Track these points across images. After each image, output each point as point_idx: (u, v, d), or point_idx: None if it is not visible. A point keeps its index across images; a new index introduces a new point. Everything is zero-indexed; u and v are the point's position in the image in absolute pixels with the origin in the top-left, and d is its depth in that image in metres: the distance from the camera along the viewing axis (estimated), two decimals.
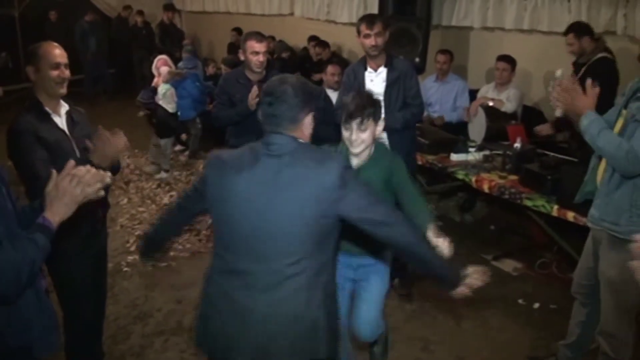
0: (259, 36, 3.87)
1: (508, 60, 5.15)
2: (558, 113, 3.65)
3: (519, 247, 4.74)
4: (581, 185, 2.86)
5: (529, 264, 4.46)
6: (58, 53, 2.66)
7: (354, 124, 2.48)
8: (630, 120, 2.50)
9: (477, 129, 4.89)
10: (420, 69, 5.94)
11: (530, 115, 5.31)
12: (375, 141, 2.66)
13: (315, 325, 1.98)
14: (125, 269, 4.37)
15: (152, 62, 7.25)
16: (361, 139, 2.51)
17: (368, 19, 3.77)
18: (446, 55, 5.63)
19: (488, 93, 5.25)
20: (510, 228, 5.03)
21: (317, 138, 4.72)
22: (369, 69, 3.88)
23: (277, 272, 1.96)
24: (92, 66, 10.27)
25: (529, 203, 3.68)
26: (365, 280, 2.82)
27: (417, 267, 2.11)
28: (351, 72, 3.98)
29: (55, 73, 2.62)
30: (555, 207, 3.51)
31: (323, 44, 7.34)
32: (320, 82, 5.66)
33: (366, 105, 2.51)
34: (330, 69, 5.44)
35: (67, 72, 2.67)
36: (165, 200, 5.64)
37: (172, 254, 4.55)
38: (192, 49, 7.45)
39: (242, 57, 3.92)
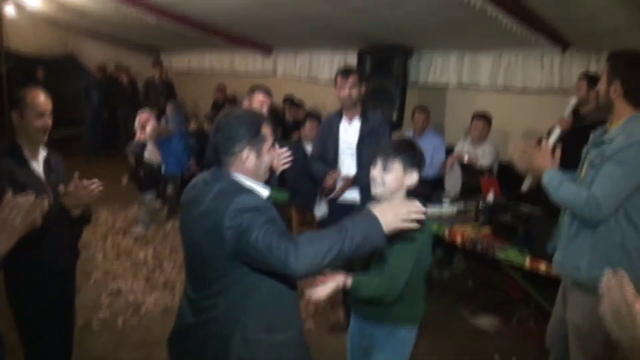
0: (266, 91, 4.00)
1: (484, 117, 5.24)
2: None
3: (497, 302, 4.69)
4: (553, 235, 2.87)
5: (507, 319, 4.41)
6: (43, 102, 2.72)
7: (380, 160, 2.34)
8: (590, 166, 2.54)
9: (453, 184, 4.92)
10: (396, 125, 6.06)
11: (506, 171, 5.33)
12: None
13: None
14: (96, 325, 4.25)
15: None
16: (382, 180, 2.34)
17: (343, 71, 3.92)
18: (424, 113, 5.72)
19: (464, 148, 5.31)
20: (488, 283, 4.99)
21: (295, 191, 4.72)
22: (344, 120, 3.98)
23: (195, 303, 2.04)
24: (93, 121, 10.45)
25: (501, 255, 3.66)
26: (376, 352, 2.55)
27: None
28: (327, 122, 4.11)
29: (39, 122, 2.69)
30: (528, 259, 3.49)
31: (297, 105, 7.45)
32: (298, 140, 5.73)
33: (399, 147, 2.38)
34: (308, 123, 5.52)
35: (49, 121, 2.73)
36: (141, 255, 5.57)
37: (143, 310, 4.47)
38: (179, 104, 7.52)
39: (246, 105, 4.00)
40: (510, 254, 3.61)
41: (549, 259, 3.24)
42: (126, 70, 10.45)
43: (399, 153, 2.33)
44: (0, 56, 9.96)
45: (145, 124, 7.03)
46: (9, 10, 9.37)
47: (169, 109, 7.28)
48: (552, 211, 3.05)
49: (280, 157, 2.65)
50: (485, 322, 4.41)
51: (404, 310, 2.46)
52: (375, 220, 1.80)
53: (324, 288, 2.16)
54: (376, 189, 2.39)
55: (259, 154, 2.03)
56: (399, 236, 2.20)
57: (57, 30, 10.52)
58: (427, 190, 4.82)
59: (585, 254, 2.52)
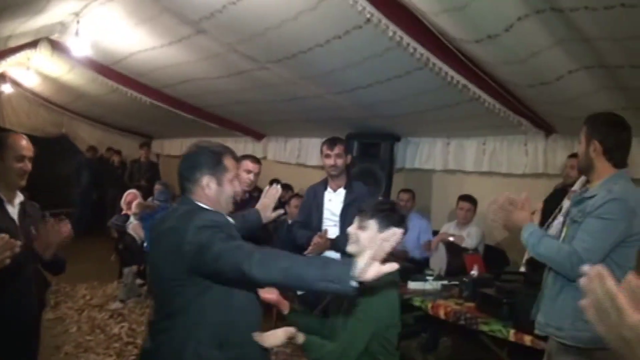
0: (255, 158, 4.07)
1: (470, 200, 5.28)
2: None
3: None
4: (537, 302, 2.80)
5: None
6: (25, 145, 2.70)
7: (357, 218, 2.35)
8: (570, 223, 2.53)
9: (439, 264, 4.87)
10: None
11: (493, 254, 5.31)
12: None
13: None
14: None
15: None
16: (357, 237, 2.31)
17: (329, 141, 3.95)
18: (408, 193, 5.77)
19: (449, 230, 5.30)
20: None
21: None
22: (328, 189, 3.98)
23: (154, 325, 2.10)
24: (82, 201, 10.50)
25: (485, 328, 3.55)
26: None
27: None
28: (311, 190, 4.09)
29: (19, 165, 2.65)
30: (512, 331, 3.39)
31: (286, 187, 7.48)
32: (284, 219, 5.71)
33: (377, 206, 2.37)
34: (294, 201, 5.54)
35: (29, 166, 2.70)
36: (116, 330, 5.37)
37: None
38: (165, 182, 7.54)
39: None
40: (494, 327, 3.50)
41: (534, 332, 3.17)
42: (117, 152, 10.56)
43: (376, 212, 2.32)
44: None
45: (131, 201, 7.07)
46: (6, 88, 9.56)
47: (157, 187, 7.30)
48: (537, 285, 2.98)
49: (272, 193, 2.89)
50: None
51: None
52: (349, 262, 1.67)
53: (275, 337, 2.14)
54: (351, 247, 2.36)
55: (219, 183, 2.12)
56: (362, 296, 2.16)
57: (52, 112, 10.71)
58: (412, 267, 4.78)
59: (568, 313, 2.46)
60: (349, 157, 4.00)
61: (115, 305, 6.16)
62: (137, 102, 7.35)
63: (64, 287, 6.81)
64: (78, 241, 9.61)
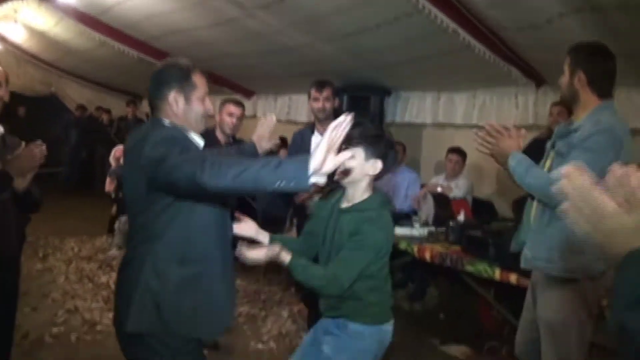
0: (237, 101, 4.03)
1: (459, 152, 5.26)
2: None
3: (468, 333, 4.54)
4: (515, 234, 2.79)
5: (478, 349, 4.26)
6: None
7: (343, 146, 1.99)
8: (556, 156, 2.50)
9: (426, 214, 4.87)
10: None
11: (481, 207, 5.33)
12: (375, 195, 2.30)
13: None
14: (48, 339, 4.04)
15: None
16: (347, 171, 2.22)
17: (318, 83, 3.83)
18: (398, 145, 5.74)
19: (438, 182, 5.30)
20: (460, 316, 4.86)
21: (265, 218, 4.59)
22: (316, 133, 3.91)
23: (128, 241, 2.16)
24: (70, 158, 10.49)
25: (470, 268, 3.58)
26: (325, 343, 2.32)
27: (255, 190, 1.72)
28: (298, 135, 4.02)
29: None
30: (497, 270, 3.41)
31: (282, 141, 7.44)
32: None
33: (363, 133, 2.20)
34: (282, 152, 5.51)
35: (5, 94, 2.61)
36: (104, 279, 5.38)
37: (98, 328, 4.28)
38: None
39: (217, 119, 3.95)
40: (479, 267, 3.53)
41: (520, 271, 3.19)
42: (107, 111, 10.47)
43: (363, 140, 2.22)
44: None
45: (120, 157, 7.01)
46: None
47: None
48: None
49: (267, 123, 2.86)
50: (456, 350, 4.25)
51: (357, 306, 2.29)
52: (304, 159, 1.60)
53: (258, 252, 2.13)
54: (338, 176, 2.29)
55: (187, 100, 2.07)
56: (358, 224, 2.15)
57: (41, 70, 10.56)
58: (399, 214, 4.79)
59: (557, 244, 2.43)
60: (337, 101, 3.94)
61: (112, 252, 6.23)
62: (125, 56, 7.23)
63: (52, 241, 6.82)
64: (67, 198, 9.77)
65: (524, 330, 2.77)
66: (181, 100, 2.05)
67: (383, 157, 2.27)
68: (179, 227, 1.98)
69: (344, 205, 2.33)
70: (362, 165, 2.24)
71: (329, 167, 1.59)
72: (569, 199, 1.05)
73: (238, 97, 8.42)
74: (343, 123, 1.64)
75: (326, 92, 3.82)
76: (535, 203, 2.61)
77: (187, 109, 2.07)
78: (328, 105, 3.82)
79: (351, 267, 2.16)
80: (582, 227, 1.04)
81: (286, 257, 2.14)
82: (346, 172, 2.23)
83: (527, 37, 3.97)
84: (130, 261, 2.03)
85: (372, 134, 2.25)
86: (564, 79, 2.55)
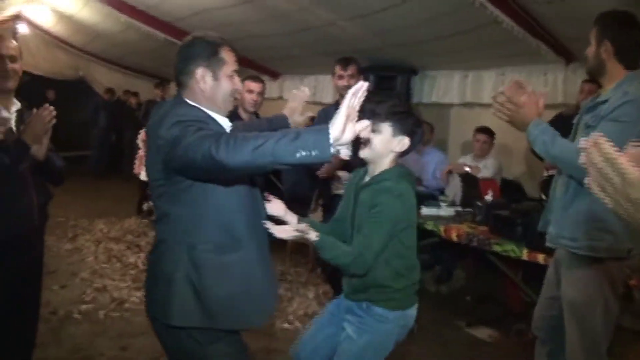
0: (256, 77, 4.02)
1: (487, 131, 5.16)
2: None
3: (495, 315, 4.48)
4: (543, 212, 2.72)
5: (505, 331, 4.20)
6: (11, 45, 2.53)
7: (370, 121, 1.87)
8: (583, 129, 2.42)
9: (453, 193, 4.81)
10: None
11: (510, 188, 5.22)
12: (394, 167, 2.25)
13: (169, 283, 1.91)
14: (76, 315, 4.11)
15: None
16: (367, 141, 2.19)
17: (343, 61, 3.82)
18: (426, 125, 5.67)
19: (466, 161, 5.22)
20: (486, 298, 4.80)
21: (291, 197, 4.54)
22: None
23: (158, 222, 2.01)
24: (100, 142, 10.60)
25: (498, 248, 3.51)
26: (348, 323, 2.31)
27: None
28: (323, 113, 3.99)
29: (5, 66, 2.47)
30: (525, 250, 3.35)
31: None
32: None
33: (391, 109, 2.18)
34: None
35: (12, 65, 2.52)
36: (132, 259, 5.44)
37: (126, 305, 4.33)
38: None
39: (237, 97, 3.92)
40: (507, 247, 3.46)
41: (547, 250, 3.11)
42: (134, 94, 10.55)
43: (390, 115, 2.18)
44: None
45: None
46: (22, 28, 9.53)
47: None
48: None
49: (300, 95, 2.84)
50: (482, 333, 4.21)
51: (382, 292, 2.25)
52: (324, 128, 1.56)
53: (286, 231, 2.05)
54: (363, 152, 2.26)
55: (215, 76, 1.95)
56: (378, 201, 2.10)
57: (69, 54, 10.68)
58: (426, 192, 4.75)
59: (582, 221, 2.36)
60: (362, 79, 3.88)
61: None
62: (151, 38, 7.26)
63: (82, 222, 6.92)
64: (96, 181, 9.94)
65: (542, 306, 2.72)
66: (209, 77, 1.93)
67: (410, 134, 2.23)
68: (209, 212, 1.89)
69: (367, 179, 2.30)
70: (389, 141, 2.21)
71: (348, 135, 1.55)
72: (594, 170, 1.00)
73: (264, 78, 8.45)
74: (361, 89, 1.59)
75: (351, 70, 3.80)
76: (560, 179, 2.54)
77: (215, 86, 1.95)
78: (353, 82, 3.77)
79: (372, 241, 2.12)
80: (609, 199, 1.00)
81: (313, 235, 2.08)
82: (366, 142, 2.20)
83: (556, 11, 3.85)
84: (165, 251, 1.94)
85: (399, 110, 2.21)
86: (591, 50, 2.45)
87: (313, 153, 1.53)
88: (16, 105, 2.62)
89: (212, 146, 1.57)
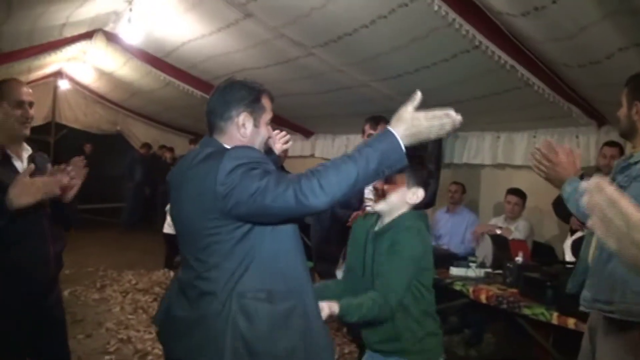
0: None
1: (518, 193, 5.13)
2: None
3: None
4: (572, 273, 2.65)
5: None
6: (24, 91, 2.53)
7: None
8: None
9: (483, 255, 4.73)
10: (429, 204, 5.96)
11: (541, 251, 5.13)
12: (414, 212, 2.28)
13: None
14: None
15: None
16: (383, 193, 2.22)
17: (372, 119, 3.87)
18: (458, 185, 5.67)
19: (498, 224, 5.16)
20: None
21: (318, 256, 4.48)
22: None
23: (189, 282, 1.83)
24: (134, 196, 10.76)
25: (527, 312, 3.42)
26: None
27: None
28: None
29: (19, 112, 2.48)
30: (555, 314, 3.25)
31: None
32: None
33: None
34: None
35: (31, 112, 2.54)
36: None
37: (149, 357, 4.31)
38: None
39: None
40: (536, 311, 3.36)
41: (579, 315, 3.03)
42: (170, 149, 10.77)
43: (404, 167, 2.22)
44: (51, 125, 10.40)
45: None
46: (63, 84, 9.90)
47: None
48: None
49: (279, 139, 2.46)
50: None
51: (414, 337, 2.23)
52: (391, 137, 1.65)
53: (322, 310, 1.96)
54: (379, 204, 2.28)
55: (256, 123, 1.89)
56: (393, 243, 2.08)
57: (108, 109, 11.02)
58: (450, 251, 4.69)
59: (618, 284, 2.28)
60: None
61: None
62: (189, 96, 7.47)
63: (111, 273, 6.98)
64: (129, 233, 10.04)
65: None
66: (250, 123, 1.87)
67: (424, 186, 2.24)
68: (262, 257, 1.75)
69: (377, 227, 2.29)
70: (404, 193, 2.22)
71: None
72: (597, 212, 1.00)
73: (298, 136, 8.58)
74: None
75: (380, 128, 3.82)
76: (594, 239, 2.48)
77: (255, 133, 1.89)
78: None
79: (395, 281, 2.11)
80: (612, 241, 0.99)
81: (335, 307, 2.01)
82: (382, 195, 2.21)
83: (587, 74, 3.85)
84: (211, 304, 1.73)
85: (413, 161, 2.14)
86: (622, 111, 2.44)
87: (395, 167, 1.67)
88: (27, 150, 2.61)
89: (298, 194, 1.57)
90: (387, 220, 2.28)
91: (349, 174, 1.58)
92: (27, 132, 2.55)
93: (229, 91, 1.91)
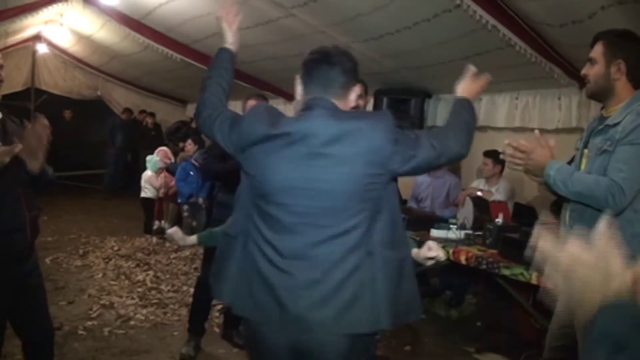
0: (258, 95, 4.04)
1: (493, 155, 5.11)
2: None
3: (505, 342, 4.39)
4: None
5: (515, 358, 4.11)
6: None
7: None
8: (597, 154, 2.33)
9: (464, 218, 4.75)
10: None
11: (522, 212, 5.16)
12: None
13: None
14: (81, 332, 4.08)
15: None
16: None
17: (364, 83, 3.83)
18: None
19: (479, 186, 5.17)
20: (497, 325, 4.70)
21: None
22: None
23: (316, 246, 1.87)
24: (115, 160, 10.67)
25: (506, 272, 3.45)
26: None
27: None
28: None
29: None
30: (534, 274, 3.27)
31: None
32: None
33: None
34: None
35: (2, 74, 2.46)
36: (140, 277, 5.43)
37: (132, 323, 4.30)
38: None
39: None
40: (515, 271, 3.39)
41: None
42: (151, 115, 10.64)
43: None
44: (31, 91, 10.22)
45: (162, 157, 7.30)
46: (41, 48, 9.71)
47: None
48: None
49: None
50: (491, 359, 4.12)
51: None
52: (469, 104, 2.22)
53: None
54: None
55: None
56: None
57: (87, 74, 10.81)
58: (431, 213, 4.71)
59: None
60: (369, 98, 3.88)
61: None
62: (168, 59, 7.33)
63: (93, 240, 6.94)
64: (110, 199, 10.00)
65: (554, 336, 2.62)
66: (355, 93, 2.01)
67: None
68: (389, 209, 1.89)
69: None
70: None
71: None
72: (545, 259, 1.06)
73: (280, 100, 8.49)
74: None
75: (358, 90, 3.77)
76: (570, 206, 2.45)
77: (353, 102, 2.04)
78: (361, 102, 3.76)
79: None
80: (558, 283, 1.05)
81: None
82: None
83: (569, 34, 3.81)
84: (361, 259, 1.81)
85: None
86: (596, 70, 2.34)
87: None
88: None
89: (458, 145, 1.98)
90: None
91: (470, 124, 2.15)
92: None
93: (347, 61, 1.98)
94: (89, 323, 4.24)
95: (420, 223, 4.45)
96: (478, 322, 4.78)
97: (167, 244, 6.64)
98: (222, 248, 2.03)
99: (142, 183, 7.49)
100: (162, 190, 7.39)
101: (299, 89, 2.00)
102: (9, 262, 2.45)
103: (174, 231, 2.92)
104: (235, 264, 1.91)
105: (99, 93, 11.16)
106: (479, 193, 4.91)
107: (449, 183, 5.54)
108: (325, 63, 1.94)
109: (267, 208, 1.86)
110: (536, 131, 2.45)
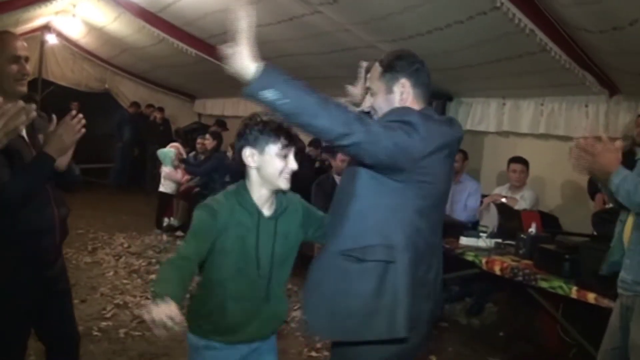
0: None
1: (522, 161, 5.00)
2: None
3: (529, 353, 4.28)
4: (607, 255, 2.53)
5: None
6: (20, 45, 2.25)
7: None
8: None
9: (489, 225, 4.64)
10: None
11: (545, 220, 5.03)
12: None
13: None
14: (96, 333, 3.96)
15: None
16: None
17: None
18: (459, 154, 5.52)
19: (502, 192, 5.05)
20: (520, 335, 4.59)
21: None
22: None
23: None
24: (122, 154, 10.55)
25: (544, 284, 3.33)
26: None
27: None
28: None
29: (15, 68, 2.22)
30: (574, 288, 3.16)
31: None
32: (328, 173, 5.60)
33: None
34: (340, 155, 5.35)
35: (28, 68, 2.29)
36: (153, 277, 5.30)
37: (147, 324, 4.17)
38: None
39: None
40: (554, 284, 3.28)
41: (599, 289, 2.95)
42: (160, 109, 10.50)
43: None
44: (38, 81, 10.07)
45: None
46: (51, 39, 9.57)
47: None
48: (605, 239, 2.70)
49: None
50: None
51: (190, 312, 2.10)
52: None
53: None
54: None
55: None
56: None
57: (96, 67, 10.68)
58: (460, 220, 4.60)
59: None
60: None
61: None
62: (183, 54, 7.22)
63: (102, 235, 6.81)
64: (118, 194, 9.86)
65: (604, 358, 2.51)
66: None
67: None
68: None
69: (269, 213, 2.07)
70: None
71: None
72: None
73: None
74: None
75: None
76: (629, 220, 2.34)
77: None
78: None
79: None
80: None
81: None
82: None
83: (608, 41, 3.70)
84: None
85: None
86: None
87: None
88: None
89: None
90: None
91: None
92: (24, 89, 2.29)
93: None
94: (104, 324, 4.12)
95: (448, 230, 4.32)
96: (501, 332, 4.67)
97: (179, 242, 6.51)
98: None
99: (162, 179, 7.44)
100: (183, 186, 7.27)
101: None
102: (35, 266, 2.31)
103: None
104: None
105: (106, 86, 11.01)
106: (503, 200, 4.79)
107: (469, 188, 5.43)
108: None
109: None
110: (603, 135, 2.34)
